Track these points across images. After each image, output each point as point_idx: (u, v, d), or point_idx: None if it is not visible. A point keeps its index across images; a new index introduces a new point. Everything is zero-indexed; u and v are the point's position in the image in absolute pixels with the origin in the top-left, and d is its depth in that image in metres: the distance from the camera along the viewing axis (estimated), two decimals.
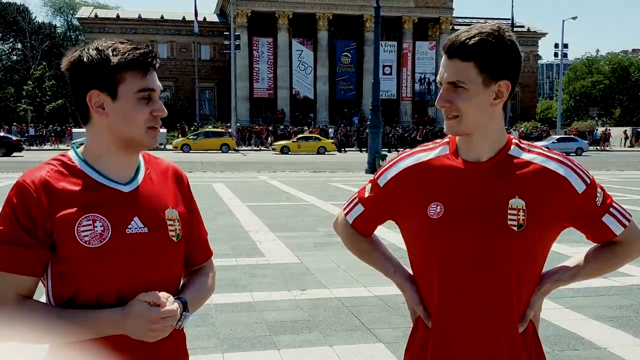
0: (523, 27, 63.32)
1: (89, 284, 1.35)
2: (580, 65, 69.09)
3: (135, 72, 1.38)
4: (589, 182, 1.43)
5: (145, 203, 1.43)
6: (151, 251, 1.41)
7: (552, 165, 1.42)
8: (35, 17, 62.54)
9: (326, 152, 38.97)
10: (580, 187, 1.41)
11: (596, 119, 59.62)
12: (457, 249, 1.41)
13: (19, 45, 61.32)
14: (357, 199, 1.63)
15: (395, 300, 5.27)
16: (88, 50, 1.38)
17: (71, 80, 1.41)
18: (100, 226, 1.35)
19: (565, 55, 54.30)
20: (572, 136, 44.31)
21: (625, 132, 52.48)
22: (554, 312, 4.92)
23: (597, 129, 51.81)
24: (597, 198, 1.44)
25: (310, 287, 5.76)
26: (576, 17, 49.88)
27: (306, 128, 47.48)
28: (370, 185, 1.60)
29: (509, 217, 1.38)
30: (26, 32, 57.76)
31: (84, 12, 58.08)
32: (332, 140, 41.98)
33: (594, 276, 1.55)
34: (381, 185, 1.55)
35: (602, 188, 1.47)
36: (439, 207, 1.43)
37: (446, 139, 1.53)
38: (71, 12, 69.95)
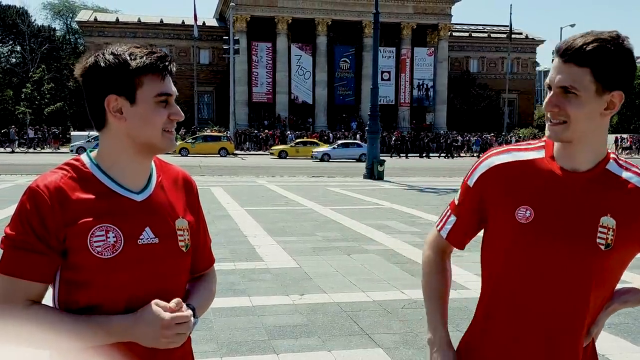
0: (521, 34, 63.55)
1: (98, 293, 1.34)
2: None
3: (153, 76, 1.37)
4: None
5: (157, 213, 1.42)
6: (161, 261, 1.40)
7: None
8: (35, 20, 62.57)
9: None
10: None
11: None
12: (541, 258, 1.37)
13: (18, 48, 61.26)
14: (449, 210, 1.58)
15: (394, 305, 5.27)
16: (104, 55, 1.37)
17: (86, 85, 1.39)
18: (113, 237, 1.34)
19: None
20: (356, 141, 39.77)
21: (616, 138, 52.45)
22: None
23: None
24: None
25: (308, 292, 5.75)
26: (574, 25, 50.03)
27: (293, 133, 47.44)
28: (460, 189, 1.55)
29: (599, 234, 1.35)
30: (25, 35, 57.76)
31: (83, 16, 58.12)
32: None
33: None
34: (471, 185, 1.50)
35: None
36: (528, 212, 1.38)
37: (542, 142, 1.48)
38: (71, 15, 69.97)
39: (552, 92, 1.35)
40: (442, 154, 44.79)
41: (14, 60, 62.03)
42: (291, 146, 40.23)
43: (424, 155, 43.99)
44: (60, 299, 1.37)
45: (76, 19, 60.17)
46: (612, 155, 1.42)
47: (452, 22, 56.84)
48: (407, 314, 5.07)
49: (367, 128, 22.64)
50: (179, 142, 40.53)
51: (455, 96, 57.86)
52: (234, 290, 5.74)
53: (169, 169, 1.55)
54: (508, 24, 55.91)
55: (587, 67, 1.30)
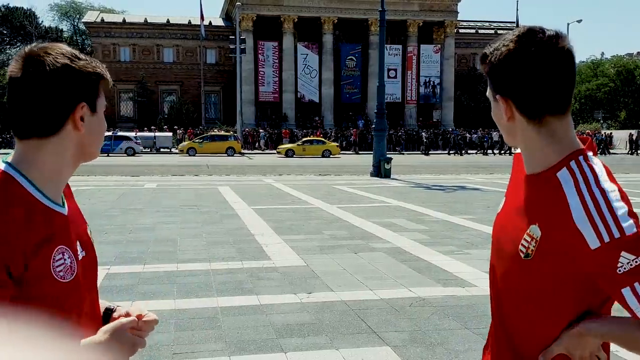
0: None
1: (58, 319, 1.20)
2: (585, 68, 68.89)
3: (105, 85, 1.31)
4: (607, 240, 1.12)
5: (77, 225, 1.33)
6: (91, 274, 1.35)
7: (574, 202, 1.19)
8: (42, 21, 62.99)
9: (331, 156, 39.01)
10: (593, 242, 1.14)
11: (601, 121, 59.39)
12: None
13: None
14: None
15: (402, 303, 5.27)
16: (65, 55, 1.23)
17: (46, 86, 1.21)
18: (68, 258, 1.23)
19: None
20: None
21: (630, 134, 52.15)
22: None
23: (600, 132, 51.55)
24: (620, 263, 1.12)
25: (316, 290, 5.76)
26: (581, 20, 49.84)
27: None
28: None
29: (523, 241, 1.27)
30: (33, 36, 57.99)
31: (90, 17, 58.43)
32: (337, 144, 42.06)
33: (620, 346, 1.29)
34: None
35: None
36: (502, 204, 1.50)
37: None
38: (77, 16, 70.29)
39: None
40: (451, 152, 44.76)
41: None
42: (298, 145, 40.26)
43: (428, 152, 43.94)
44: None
45: (83, 20, 60.52)
46: (571, 164, 1.24)
47: (458, 19, 56.67)
48: (415, 311, 5.06)
49: (373, 126, 22.62)
50: (186, 142, 40.65)
51: (462, 93, 57.68)
52: (242, 289, 5.75)
53: None
54: (515, 20, 55.65)
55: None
